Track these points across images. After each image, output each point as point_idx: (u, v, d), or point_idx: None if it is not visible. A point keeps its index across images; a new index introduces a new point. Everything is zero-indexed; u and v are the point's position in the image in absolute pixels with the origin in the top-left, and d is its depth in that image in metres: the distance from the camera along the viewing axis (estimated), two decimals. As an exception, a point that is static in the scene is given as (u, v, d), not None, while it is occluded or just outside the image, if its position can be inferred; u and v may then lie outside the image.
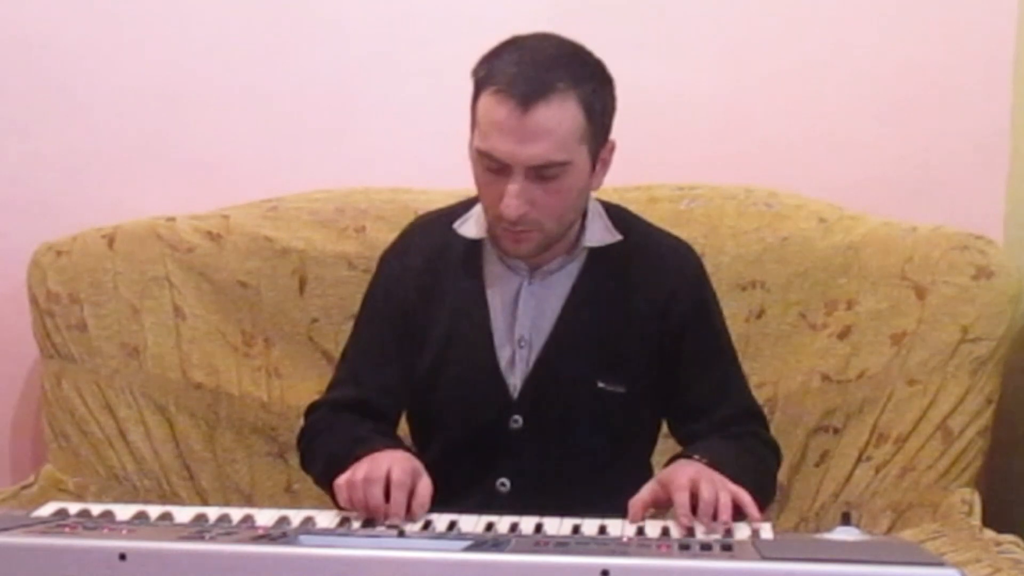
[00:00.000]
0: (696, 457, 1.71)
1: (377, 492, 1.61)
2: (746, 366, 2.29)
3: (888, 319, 2.27)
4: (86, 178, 2.64)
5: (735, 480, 1.63)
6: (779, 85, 2.52)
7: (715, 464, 1.68)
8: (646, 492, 1.64)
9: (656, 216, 2.24)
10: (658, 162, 2.50)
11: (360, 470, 1.66)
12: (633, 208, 2.11)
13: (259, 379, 2.42)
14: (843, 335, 2.29)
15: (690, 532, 1.54)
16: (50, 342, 2.46)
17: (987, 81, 2.47)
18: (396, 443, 1.81)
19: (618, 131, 2.46)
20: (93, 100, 2.63)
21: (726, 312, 2.28)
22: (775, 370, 2.31)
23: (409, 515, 1.63)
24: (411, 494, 1.64)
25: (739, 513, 1.59)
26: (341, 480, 1.66)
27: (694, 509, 1.58)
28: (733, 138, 2.54)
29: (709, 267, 2.29)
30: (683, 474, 1.62)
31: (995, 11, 2.45)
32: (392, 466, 1.65)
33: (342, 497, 1.65)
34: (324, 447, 1.87)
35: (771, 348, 2.32)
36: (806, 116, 2.52)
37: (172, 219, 2.49)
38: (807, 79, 2.52)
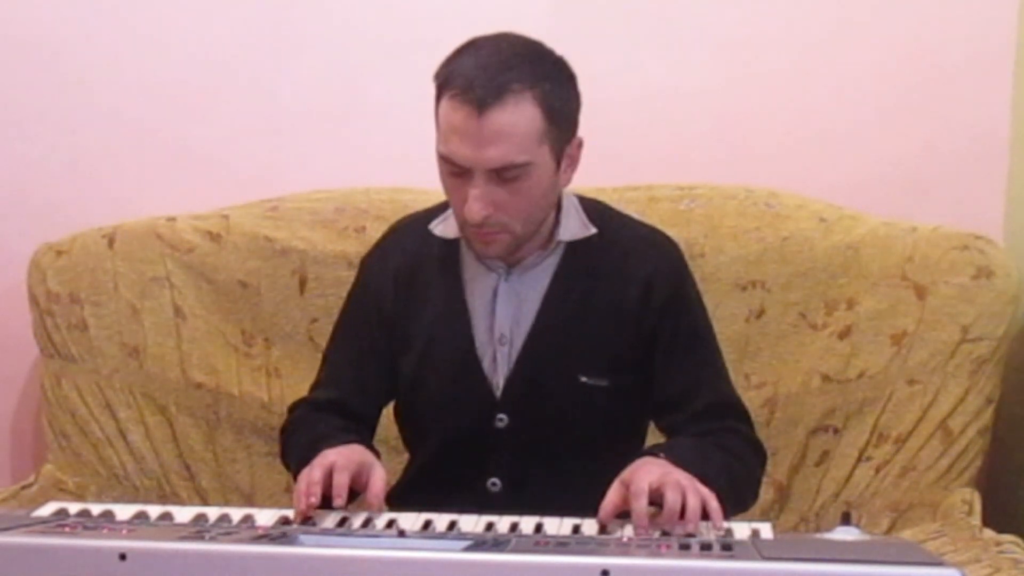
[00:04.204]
0: (661, 456, 1.68)
1: (314, 473, 1.63)
2: (746, 366, 2.30)
3: (888, 319, 2.27)
4: (86, 178, 2.64)
5: (704, 481, 1.60)
6: (779, 84, 2.52)
7: (680, 464, 1.64)
8: (613, 495, 1.60)
9: (656, 216, 2.24)
10: (658, 162, 2.50)
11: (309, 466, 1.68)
12: (633, 208, 2.12)
13: (259, 379, 2.43)
14: (843, 335, 2.29)
15: (689, 532, 1.54)
16: (50, 342, 2.47)
17: (987, 81, 2.46)
18: (358, 439, 1.81)
19: (619, 131, 2.48)
20: (93, 100, 2.63)
21: (726, 312, 2.29)
22: (775, 370, 2.31)
23: (366, 505, 1.64)
24: (365, 487, 1.66)
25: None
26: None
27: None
28: (733, 138, 2.54)
29: (709, 267, 2.30)
30: (643, 476, 1.58)
31: (995, 11, 2.45)
32: (338, 456, 1.68)
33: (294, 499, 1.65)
34: (296, 444, 1.89)
35: (771, 348, 2.32)
36: (806, 116, 2.52)
37: (172, 219, 2.49)
38: (807, 79, 2.52)
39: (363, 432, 1.91)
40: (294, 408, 2.00)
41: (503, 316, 1.87)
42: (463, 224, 1.80)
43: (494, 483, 1.87)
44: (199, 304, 2.45)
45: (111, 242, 2.46)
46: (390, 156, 2.56)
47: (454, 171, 1.74)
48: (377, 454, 1.81)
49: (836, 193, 2.42)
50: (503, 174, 1.71)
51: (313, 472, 1.64)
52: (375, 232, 2.28)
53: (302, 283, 2.42)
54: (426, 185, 2.37)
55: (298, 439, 1.89)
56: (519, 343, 1.86)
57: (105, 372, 2.44)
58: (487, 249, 1.81)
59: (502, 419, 1.86)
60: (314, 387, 2.01)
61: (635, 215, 2.04)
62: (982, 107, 2.47)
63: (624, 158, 2.49)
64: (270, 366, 2.43)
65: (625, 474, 1.62)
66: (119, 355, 2.44)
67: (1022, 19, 2.44)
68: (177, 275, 2.45)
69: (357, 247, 2.36)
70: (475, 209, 1.72)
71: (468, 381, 1.87)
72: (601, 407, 1.87)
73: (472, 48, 1.74)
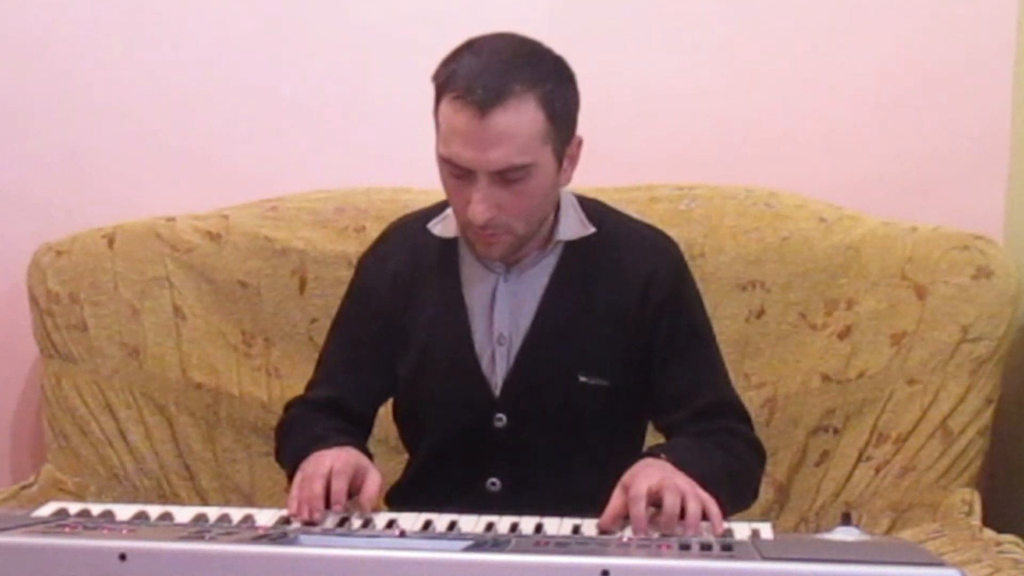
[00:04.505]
0: (663, 457, 1.68)
1: (316, 486, 1.63)
2: (746, 366, 2.30)
3: (888, 319, 2.27)
4: (86, 178, 2.64)
5: (703, 483, 1.60)
6: (779, 84, 2.52)
7: (681, 464, 1.64)
8: (615, 502, 1.59)
9: (656, 216, 2.24)
10: (658, 162, 2.50)
11: (307, 471, 1.68)
12: (633, 208, 2.11)
13: (259, 379, 2.43)
14: (843, 335, 2.29)
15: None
16: (50, 342, 2.47)
17: (987, 81, 2.46)
18: (352, 441, 1.81)
19: (619, 131, 2.48)
20: (93, 100, 2.63)
21: (726, 312, 2.30)
22: (775, 370, 2.31)
23: (358, 508, 1.64)
24: (359, 488, 1.66)
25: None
26: (292, 488, 1.68)
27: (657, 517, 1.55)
28: (733, 138, 2.54)
29: (709, 267, 2.30)
30: (643, 480, 1.57)
31: (995, 11, 2.45)
32: (335, 461, 1.68)
33: (289, 498, 1.66)
34: (291, 444, 1.89)
35: (771, 348, 2.32)
36: (806, 116, 2.52)
37: (172, 219, 2.49)
38: (807, 79, 2.52)
39: (358, 433, 1.91)
40: (290, 407, 2.00)
41: (502, 316, 1.86)
42: (465, 225, 1.80)
43: (493, 483, 1.87)
44: (199, 304, 2.45)
45: (111, 242, 2.47)
46: (390, 156, 2.56)
47: (456, 173, 1.74)
48: (370, 456, 1.81)
49: (836, 193, 2.42)
50: (506, 175, 1.71)
51: (314, 485, 1.63)
52: (375, 232, 2.28)
53: (302, 283, 2.42)
54: (426, 185, 2.37)
55: (293, 439, 1.89)
56: (518, 343, 1.86)
57: (105, 372, 2.45)
58: (489, 250, 1.81)
59: (501, 419, 1.86)
60: (310, 386, 2.00)
61: (635, 215, 2.04)
62: (982, 107, 2.47)
63: (624, 158, 2.48)
64: (270, 366, 2.43)
65: (626, 478, 1.62)
66: (119, 355, 2.44)
67: (1022, 19, 2.44)
68: (177, 275, 2.45)
69: (357, 247, 2.35)
70: (479, 211, 1.72)
71: (467, 381, 1.87)
72: (600, 407, 1.86)
73: (471, 49, 1.74)
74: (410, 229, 1.96)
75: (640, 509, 1.54)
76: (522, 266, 1.86)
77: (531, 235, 1.82)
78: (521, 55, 1.73)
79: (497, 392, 1.86)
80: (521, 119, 1.69)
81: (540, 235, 1.85)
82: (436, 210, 1.94)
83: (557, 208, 1.86)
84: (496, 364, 1.86)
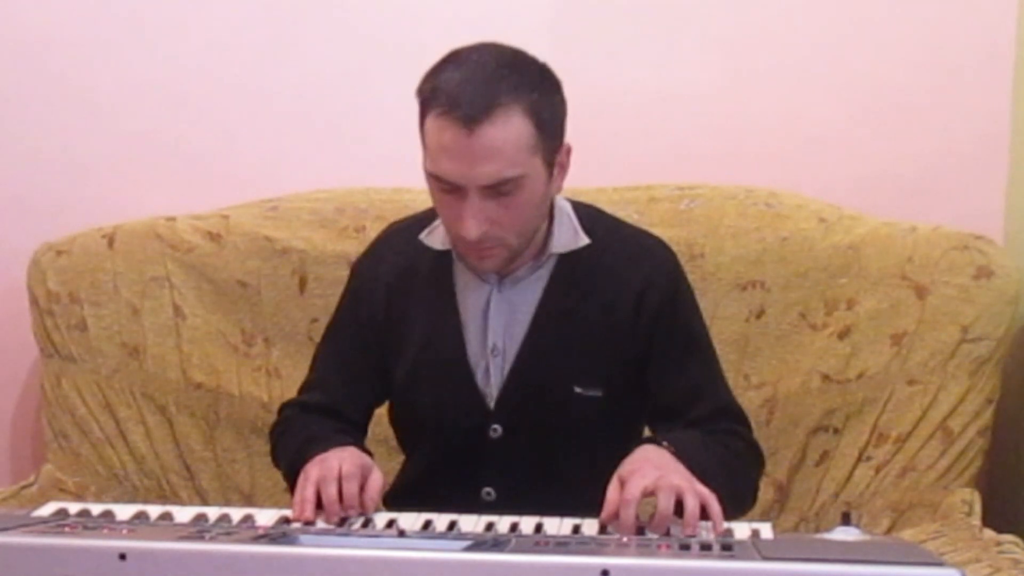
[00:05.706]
0: (664, 445, 1.67)
1: (332, 491, 1.64)
2: (746, 366, 2.30)
3: (888, 319, 2.27)
4: (86, 178, 2.64)
5: (703, 475, 1.59)
6: (779, 85, 2.52)
7: (681, 454, 1.64)
8: (612, 494, 1.58)
9: (656, 216, 2.24)
10: (658, 162, 2.50)
11: (312, 473, 1.68)
12: (633, 208, 2.11)
13: (259, 379, 2.43)
14: (843, 335, 2.29)
15: (688, 534, 1.53)
16: (50, 342, 2.47)
17: (987, 81, 2.47)
18: (350, 441, 1.81)
19: (619, 131, 2.48)
20: (93, 100, 2.63)
21: (726, 312, 2.30)
22: (775, 370, 2.31)
23: (361, 508, 1.65)
24: (362, 488, 1.67)
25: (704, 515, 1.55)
26: (298, 489, 1.68)
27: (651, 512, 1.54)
28: (733, 138, 2.54)
29: (709, 267, 2.30)
30: (639, 480, 1.56)
31: (995, 11, 2.45)
32: (342, 463, 1.68)
33: (296, 499, 1.66)
34: (287, 445, 1.89)
35: (771, 348, 2.32)
36: (806, 116, 2.52)
37: (172, 219, 2.49)
38: (807, 79, 2.52)
39: (355, 433, 1.91)
40: (283, 409, 2.00)
41: (496, 327, 1.85)
42: (457, 240, 1.78)
43: (488, 492, 1.86)
44: (199, 304, 2.45)
45: (111, 242, 2.47)
46: (390, 156, 2.54)
47: (445, 188, 1.71)
48: (370, 455, 1.81)
49: (836, 193, 2.42)
50: (497, 189, 1.68)
51: (331, 489, 1.64)
52: (375, 232, 2.28)
53: (302, 283, 2.42)
54: (426, 185, 2.38)
55: (290, 440, 1.89)
56: (512, 354, 1.85)
57: (105, 372, 2.45)
58: (483, 264, 1.79)
59: (496, 430, 1.85)
60: (303, 387, 2.00)
61: (633, 219, 2.03)
62: (982, 107, 2.47)
63: (624, 158, 2.49)
64: (270, 366, 2.43)
65: (623, 470, 1.61)
66: (119, 355, 2.44)
67: (1022, 19, 2.44)
68: (177, 275, 2.45)
69: (357, 247, 2.35)
70: (471, 227, 1.70)
71: (461, 391, 1.86)
72: (595, 417, 1.85)
73: (454, 62, 1.71)
74: (404, 236, 1.94)
75: (630, 514, 1.53)
76: (515, 277, 1.85)
77: (525, 246, 1.80)
78: (504, 65, 1.70)
79: (492, 403, 1.85)
80: (509, 132, 1.66)
81: (534, 246, 1.84)
82: (432, 215, 1.92)
83: (551, 219, 1.85)
84: (491, 375, 1.85)
